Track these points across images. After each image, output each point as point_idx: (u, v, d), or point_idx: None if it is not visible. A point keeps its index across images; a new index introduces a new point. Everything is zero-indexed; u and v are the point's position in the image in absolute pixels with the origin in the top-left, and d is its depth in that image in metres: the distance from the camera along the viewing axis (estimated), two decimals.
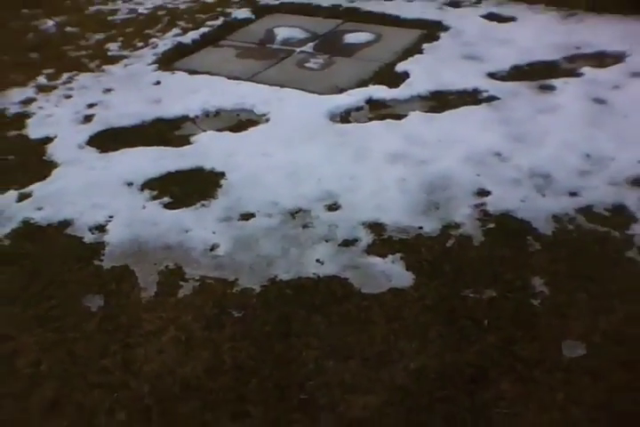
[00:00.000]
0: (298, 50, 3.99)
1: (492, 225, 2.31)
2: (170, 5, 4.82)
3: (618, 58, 3.57)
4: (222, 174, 2.70)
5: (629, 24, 3.96)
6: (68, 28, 4.49)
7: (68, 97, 3.53)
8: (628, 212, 2.32)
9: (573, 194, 2.44)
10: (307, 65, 3.77)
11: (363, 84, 3.44)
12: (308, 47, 4.02)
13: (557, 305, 1.95)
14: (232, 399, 1.72)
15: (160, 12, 4.68)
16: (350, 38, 4.09)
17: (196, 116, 3.22)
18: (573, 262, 2.11)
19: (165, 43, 4.10)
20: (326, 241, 2.29)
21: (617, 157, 2.65)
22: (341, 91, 3.37)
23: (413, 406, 1.67)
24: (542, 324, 1.89)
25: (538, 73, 3.43)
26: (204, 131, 3.08)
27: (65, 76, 3.78)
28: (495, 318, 1.91)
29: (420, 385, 1.72)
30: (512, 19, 4.18)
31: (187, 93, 3.42)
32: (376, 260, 2.19)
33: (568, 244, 2.19)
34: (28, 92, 3.63)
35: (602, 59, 3.59)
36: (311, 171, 2.68)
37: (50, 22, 4.60)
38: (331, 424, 1.64)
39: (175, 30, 4.28)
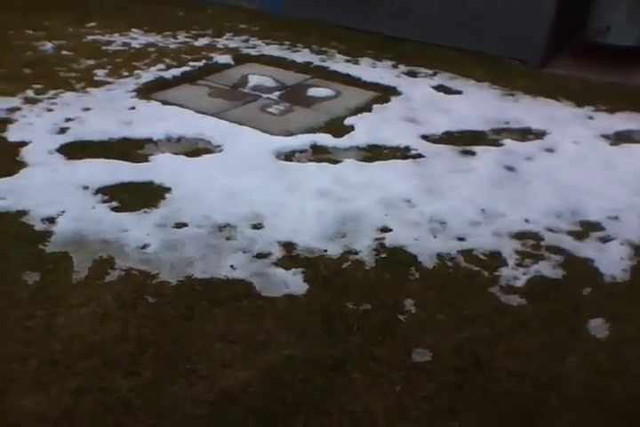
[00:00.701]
0: (264, 96, 4.48)
1: (384, 255, 2.71)
2: (161, 44, 5.34)
3: (539, 135, 4.10)
4: (168, 189, 3.10)
5: (557, 108, 4.53)
6: (64, 52, 4.96)
7: (50, 110, 3.95)
8: (501, 258, 2.75)
9: (460, 239, 2.87)
10: (268, 110, 4.25)
11: (312, 131, 3.90)
12: (274, 95, 4.51)
13: (419, 322, 2.34)
14: (128, 362, 2.06)
15: (150, 49, 5.18)
16: (313, 92, 4.60)
17: (159, 140, 3.64)
18: (442, 291, 2.51)
19: (148, 75, 4.58)
20: (243, 252, 2.67)
21: (508, 214, 3.10)
22: (291, 134, 3.83)
23: (276, 382, 2.02)
24: (402, 334, 2.27)
25: (464, 140, 3.93)
26: (163, 152, 3.50)
27: (51, 92, 4.20)
28: (364, 326, 2.29)
29: (286, 368, 2.08)
30: (458, 92, 4.74)
31: (156, 120, 3.86)
32: (281, 271, 2.57)
33: (442, 276, 2.60)
34: (16, 102, 4.03)
35: (525, 134, 4.11)
36: (246, 195, 3.09)
37: (49, 44, 5.07)
38: (203, 389, 1.97)
39: (160, 66, 4.77)
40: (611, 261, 2.78)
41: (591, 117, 4.40)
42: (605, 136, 4.10)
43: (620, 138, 4.10)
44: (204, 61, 4.97)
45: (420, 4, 5.64)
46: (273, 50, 5.39)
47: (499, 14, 5.31)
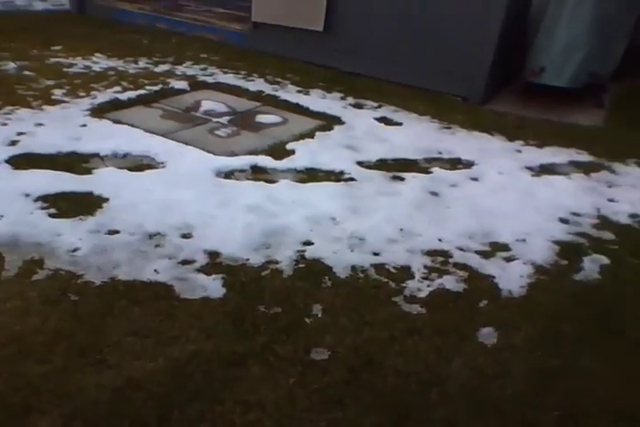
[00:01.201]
0: (215, 120, 4.72)
1: (302, 265, 2.92)
2: (121, 68, 5.59)
3: (467, 165, 4.39)
4: (107, 199, 3.28)
5: (489, 142, 4.85)
6: (26, 72, 5.18)
7: (4, 124, 4.13)
8: (410, 272, 2.97)
9: (375, 254, 3.09)
10: (216, 132, 4.48)
11: (254, 153, 4.14)
12: (224, 120, 4.76)
13: (322, 324, 2.53)
14: (42, 351, 2.20)
15: (110, 72, 5.43)
16: (262, 118, 4.86)
17: (106, 155, 3.83)
18: (349, 298, 2.71)
19: (104, 96, 4.81)
20: (169, 258, 2.85)
21: (424, 234, 3.34)
22: (234, 155, 4.06)
23: (179, 372, 2.19)
24: (305, 335, 2.45)
25: (397, 166, 4.20)
26: (107, 166, 3.70)
27: (8, 108, 4.39)
28: (271, 327, 2.47)
29: (190, 360, 2.24)
30: (399, 124, 5.05)
31: (105, 137, 4.06)
32: (202, 276, 2.75)
33: (352, 285, 2.81)
34: None
35: (454, 164, 4.40)
36: (180, 207, 3.29)
37: (12, 64, 5.28)
38: (111, 377, 2.13)
39: (116, 88, 5.01)
40: (511, 278, 3.01)
41: (519, 151, 4.72)
42: (529, 168, 4.41)
43: (543, 170, 4.41)
44: (160, 86, 5.22)
45: (370, 43, 6.01)
46: (229, 78, 5.67)
47: (443, 54, 5.69)
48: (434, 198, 3.79)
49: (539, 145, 4.85)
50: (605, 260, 3.21)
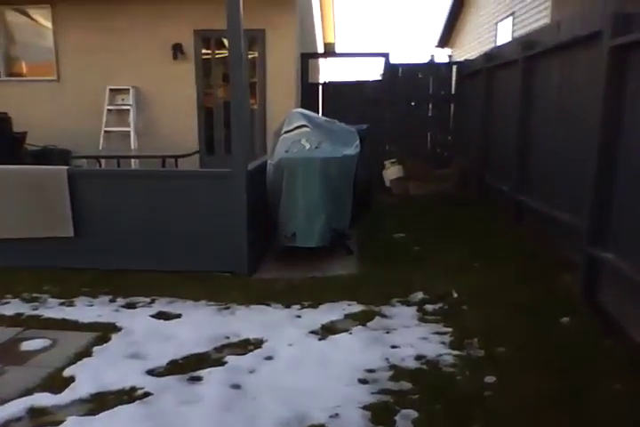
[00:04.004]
0: None
1: None
2: None
3: (257, 344, 4.42)
4: None
5: (269, 314, 5.00)
6: None
7: None
8: None
9: None
10: None
11: (27, 392, 3.67)
12: None
13: None
14: None
15: None
16: (27, 346, 4.39)
17: None
18: None
19: None
20: None
21: None
22: (3, 402, 3.55)
23: None
24: None
25: (190, 365, 4.06)
26: None
27: None
28: None
29: None
30: (178, 315, 4.96)
31: None
32: None
33: None
34: None
35: (245, 346, 4.40)
36: None
37: None
38: None
39: None
40: None
41: (299, 316, 4.94)
42: (314, 332, 4.60)
43: (326, 331, 4.62)
44: None
45: (127, 237, 6.01)
46: None
47: (203, 240, 5.94)
48: (237, 393, 3.70)
49: (313, 305, 5.14)
50: (414, 413, 3.38)
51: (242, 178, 5.75)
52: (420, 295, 5.32)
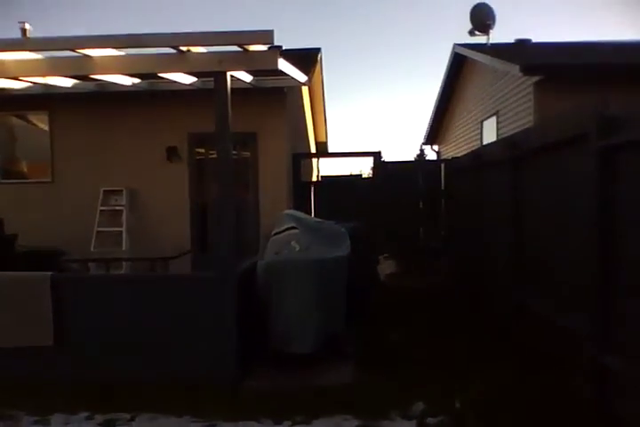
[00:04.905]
0: None
1: None
2: None
3: None
4: None
5: None
6: None
7: None
8: None
9: None
10: None
11: None
12: None
13: None
14: None
15: None
16: None
17: None
18: None
19: None
20: None
21: None
22: None
23: None
24: None
25: None
26: None
27: None
28: None
29: None
30: None
31: None
32: None
33: None
34: None
35: None
36: None
37: None
38: None
39: None
40: None
41: None
42: None
43: None
44: None
45: (107, 347, 5.74)
46: None
47: (192, 346, 5.70)
48: None
49: (306, 421, 4.80)
50: None
51: (230, 281, 5.60)
52: (420, 406, 4.99)
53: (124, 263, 10.18)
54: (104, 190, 10.84)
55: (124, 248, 10.57)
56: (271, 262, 6.14)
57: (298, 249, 6.17)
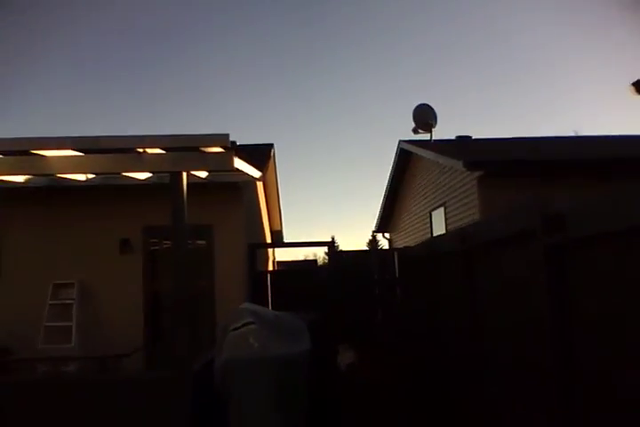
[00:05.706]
0: None
1: None
2: None
3: None
4: None
5: None
6: None
7: None
8: None
9: None
10: None
11: None
12: None
13: None
14: None
15: None
16: None
17: None
18: None
19: None
20: None
21: None
22: None
23: None
24: None
25: None
26: None
27: None
28: None
29: None
30: None
31: None
32: None
33: None
34: None
35: None
36: None
37: None
38: None
39: None
40: None
41: None
42: None
43: None
44: None
45: None
46: None
47: None
48: None
49: None
50: None
51: (186, 382, 5.46)
52: None
53: (71, 363, 9.76)
54: (54, 284, 10.61)
55: (72, 344, 10.18)
56: (229, 360, 6.04)
57: (257, 346, 6.10)
